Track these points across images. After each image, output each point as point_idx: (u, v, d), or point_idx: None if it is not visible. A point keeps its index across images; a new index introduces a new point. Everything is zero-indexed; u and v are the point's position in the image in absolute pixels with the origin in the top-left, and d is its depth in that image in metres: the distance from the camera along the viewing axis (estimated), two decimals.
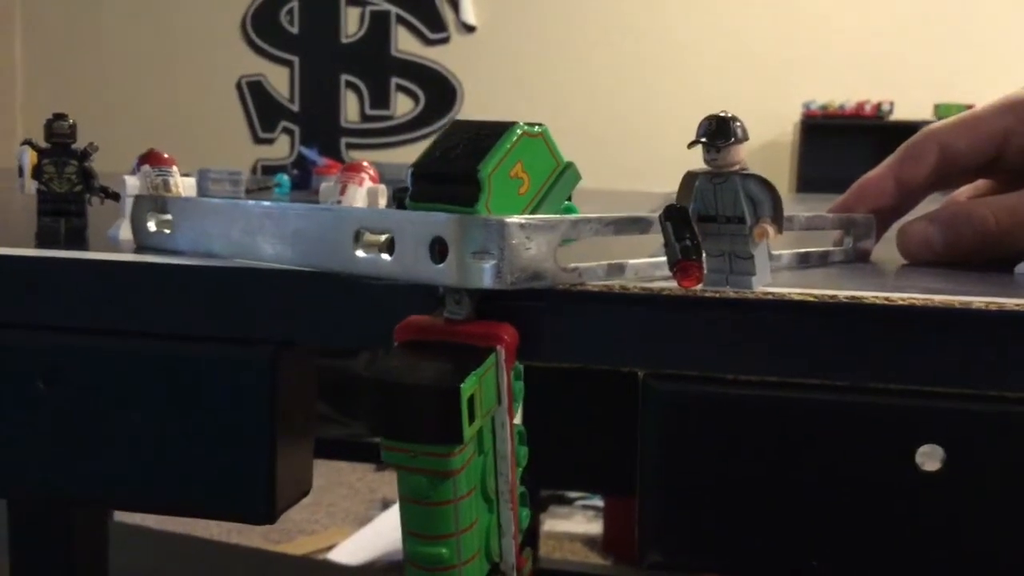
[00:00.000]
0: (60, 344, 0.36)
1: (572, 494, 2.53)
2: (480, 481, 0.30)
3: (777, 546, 0.32)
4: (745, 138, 0.31)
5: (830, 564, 0.32)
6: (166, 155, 0.45)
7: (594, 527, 2.40)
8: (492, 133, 0.30)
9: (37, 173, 0.42)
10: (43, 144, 0.42)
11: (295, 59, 4.51)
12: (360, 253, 0.32)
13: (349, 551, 2.21)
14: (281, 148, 4.51)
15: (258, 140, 4.54)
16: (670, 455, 0.32)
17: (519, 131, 0.30)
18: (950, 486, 0.31)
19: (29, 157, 0.41)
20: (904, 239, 0.42)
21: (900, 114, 3.81)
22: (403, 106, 4.42)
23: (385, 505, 2.53)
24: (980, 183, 0.47)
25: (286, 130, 4.52)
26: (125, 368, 0.35)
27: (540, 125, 0.31)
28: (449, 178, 0.30)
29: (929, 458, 0.31)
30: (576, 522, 2.46)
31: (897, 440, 0.31)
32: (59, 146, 0.42)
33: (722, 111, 0.32)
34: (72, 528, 0.78)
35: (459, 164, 0.30)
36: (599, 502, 2.46)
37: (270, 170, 4.15)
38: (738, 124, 0.31)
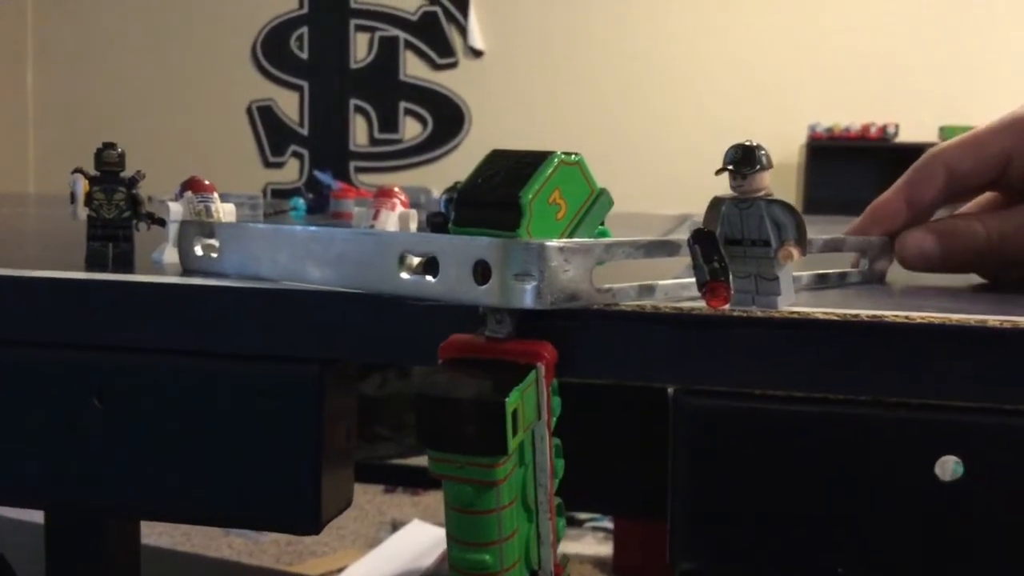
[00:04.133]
0: (115, 363, 0.38)
1: (582, 515, 2.53)
2: (521, 492, 0.32)
3: (804, 555, 0.34)
4: (769, 165, 0.33)
5: (856, 572, 0.33)
6: (207, 182, 0.47)
7: (604, 549, 2.40)
8: (531, 162, 0.32)
9: (88, 200, 0.43)
10: (93, 172, 0.44)
11: (304, 84, 4.55)
12: (405, 275, 0.34)
13: (360, 574, 2.21)
14: (291, 172, 4.55)
15: (268, 164, 4.58)
16: (700, 466, 0.34)
17: (557, 160, 0.32)
18: (969, 496, 0.32)
19: (82, 185, 0.43)
20: (902, 249, 0.44)
21: (905, 136, 3.84)
22: (411, 130, 4.46)
23: (395, 527, 2.53)
24: (985, 196, 0.48)
25: (295, 154, 4.56)
26: (179, 385, 0.37)
27: (576, 154, 0.33)
28: (491, 204, 0.32)
29: (949, 469, 0.32)
30: (586, 543, 2.46)
31: (918, 452, 0.32)
32: (108, 174, 0.44)
33: (748, 140, 0.33)
34: (106, 543, 0.79)
35: (501, 191, 0.32)
36: (609, 524, 2.46)
37: (279, 194, 4.19)
38: (763, 152, 0.33)
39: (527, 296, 0.31)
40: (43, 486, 0.40)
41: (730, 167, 0.33)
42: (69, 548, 0.81)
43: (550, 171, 0.32)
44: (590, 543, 2.46)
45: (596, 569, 2.32)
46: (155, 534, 2.29)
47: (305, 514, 0.37)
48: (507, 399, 0.29)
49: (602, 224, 0.35)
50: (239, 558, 2.24)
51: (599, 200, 0.33)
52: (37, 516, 0.92)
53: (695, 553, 0.34)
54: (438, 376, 0.31)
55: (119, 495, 0.38)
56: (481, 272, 0.31)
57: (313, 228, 0.37)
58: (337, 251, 0.36)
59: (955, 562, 0.33)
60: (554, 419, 0.33)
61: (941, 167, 0.45)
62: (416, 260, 0.34)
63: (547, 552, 0.33)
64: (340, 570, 2.25)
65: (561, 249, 0.31)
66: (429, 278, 0.33)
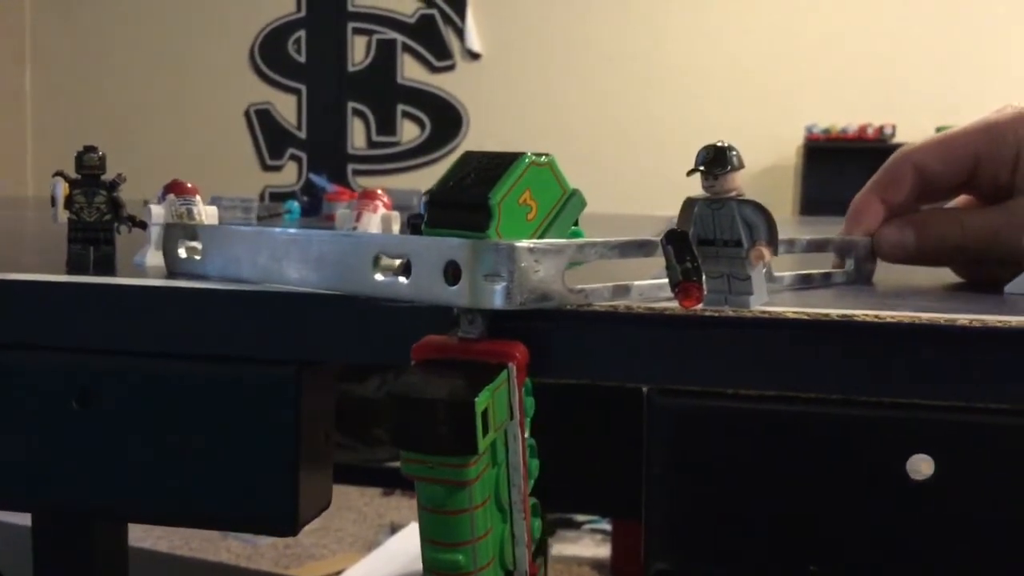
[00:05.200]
0: (94, 365, 0.38)
1: (580, 518, 2.53)
2: (494, 492, 0.32)
3: (777, 553, 0.34)
4: (741, 166, 0.33)
5: (828, 569, 0.33)
6: (189, 185, 0.47)
7: (602, 551, 2.40)
8: (502, 163, 0.32)
9: (68, 203, 0.44)
10: (74, 175, 0.44)
11: (302, 87, 4.56)
12: (379, 277, 0.34)
13: None
14: (289, 175, 4.55)
15: (266, 167, 4.58)
16: (673, 466, 0.34)
17: (527, 161, 0.32)
18: (940, 494, 0.32)
19: (62, 188, 0.43)
20: (880, 241, 0.44)
21: (902, 137, 3.84)
22: (409, 133, 4.47)
23: (393, 530, 2.53)
24: (961, 199, 0.48)
25: (293, 157, 4.57)
26: (156, 387, 0.37)
27: (547, 155, 0.33)
28: (462, 205, 0.32)
29: (920, 467, 0.32)
30: (584, 546, 2.46)
31: (889, 451, 0.33)
32: (89, 177, 0.44)
33: (719, 141, 0.33)
34: (94, 546, 0.80)
35: (471, 192, 0.32)
36: (607, 526, 2.46)
37: (277, 197, 4.19)
38: (734, 153, 0.33)
39: (497, 296, 0.31)
40: (25, 489, 0.40)
41: (702, 168, 0.33)
42: (56, 550, 0.81)
43: (520, 172, 0.32)
44: (588, 545, 2.46)
45: (594, 571, 2.32)
46: (153, 538, 2.29)
47: (283, 515, 0.37)
48: (476, 399, 0.29)
49: (576, 224, 0.35)
50: (237, 562, 2.24)
51: (571, 201, 0.34)
52: (25, 519, 0.92)
53: (669, 553, 0.34)
54: (410, 376, 0.31)
55: (97, 497, 0.38)
56: (452, 273, 0.31)
57: (292, 230, 0.38)
58: (315, 253, 0.36)
59: (926, 560, 0.33)
60: (528, 419, 0.33)
61: (910, 166, 0.45)
62: (396, 262, 0.34)
63: (522, 552, 0.33)
64: (338, 573, 2.25)
65: (531, 249, 0.31)
66: (402, 279, 0.33)
